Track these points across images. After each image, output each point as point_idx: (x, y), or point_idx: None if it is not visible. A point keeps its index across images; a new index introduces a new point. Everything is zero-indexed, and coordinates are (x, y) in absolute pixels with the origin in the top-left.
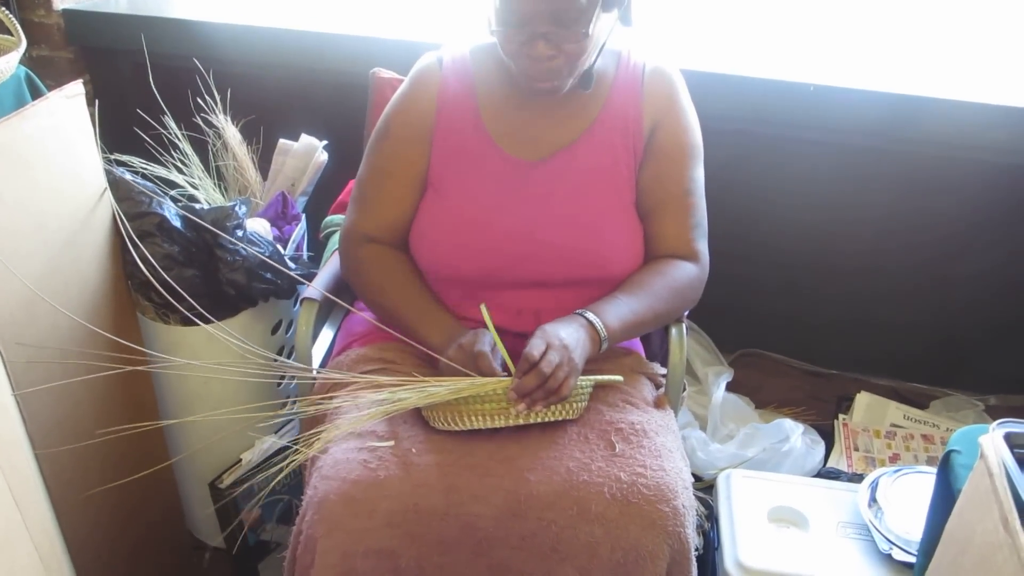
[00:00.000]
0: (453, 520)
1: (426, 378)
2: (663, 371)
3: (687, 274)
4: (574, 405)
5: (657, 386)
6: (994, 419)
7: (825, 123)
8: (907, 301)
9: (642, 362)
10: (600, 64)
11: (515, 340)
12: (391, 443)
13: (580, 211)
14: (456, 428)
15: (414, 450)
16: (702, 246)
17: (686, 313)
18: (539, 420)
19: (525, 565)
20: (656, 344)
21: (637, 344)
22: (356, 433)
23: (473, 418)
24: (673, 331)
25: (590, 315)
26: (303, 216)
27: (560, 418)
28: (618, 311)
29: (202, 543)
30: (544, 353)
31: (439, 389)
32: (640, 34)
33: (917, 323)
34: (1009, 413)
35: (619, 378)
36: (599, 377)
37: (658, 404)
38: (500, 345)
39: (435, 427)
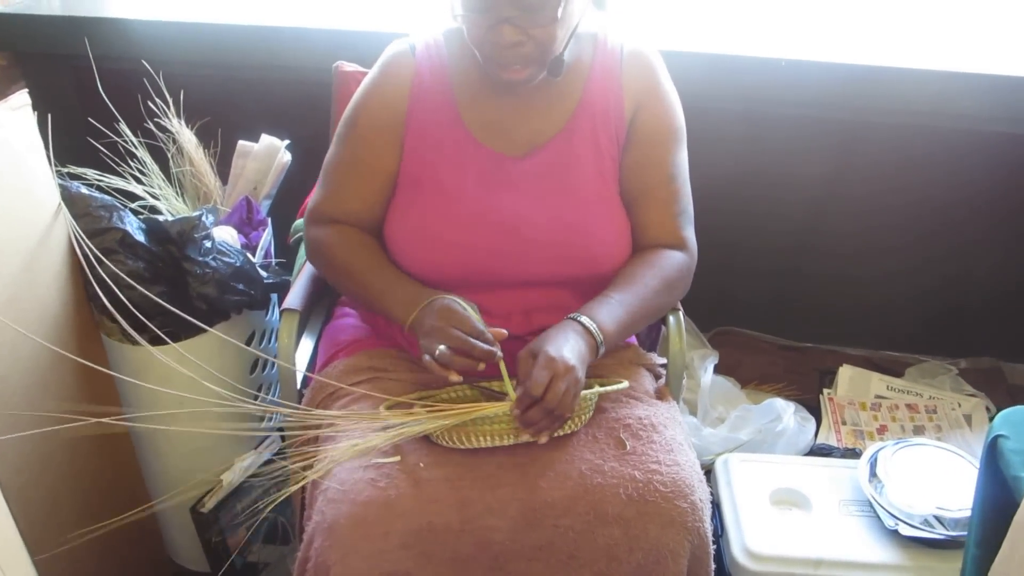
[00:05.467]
0: (468, 536)
1: (427, 406)
2: (662, 361)
3: (676, 264)
4: (580, 417)
5: (656, 377)
6: (968, 383)
7: (797, 97)
8: (877, 270)
9: (640, 354)
10: (575, 49)
11: (506, 343)
12: (397, 459)
13: (567, 207)
14: (461, 447)
15: (421, 464)
16: (689, 233)
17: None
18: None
19: None
20: (644, 332)
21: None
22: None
23: (481, 438)
24: (671, 319)
25: (586, 320)
26: (269, 221)
27: (566, 432)
28: (612, 313)
29: (185, 569)
30: (548, 386)
31: (441, 418)
32: (616, 15)
33: (888, 291)
34: (980, 376)
35: (624, 384)
36: (604, 389)
37: (660, 395)
38: (505, 375)
39: (438, 442)
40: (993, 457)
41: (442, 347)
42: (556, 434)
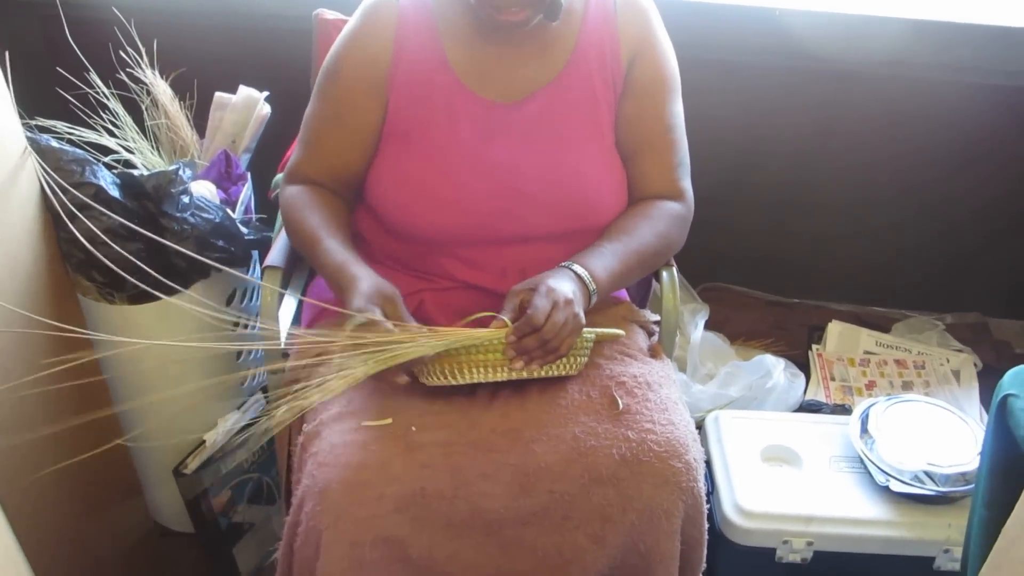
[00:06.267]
0: (461, 502)
1: (416, 328)
2: (655, 318)
3: (672, 216)
4: (577, 359)
5: (649, 334)
6: (955, 338)
7: (789, 48)
8: (864, 224)
9: (633, 311)
10: None
11: (501, 301)
12: (389, 421)
13: (563, 157)
14: (453, 382)
15: (414, 428)
16: (686, 184)
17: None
18: (541, 375)
19: (536, 540)
20: (634, 289)
21: (623, 292)
22: (350, 412)
23: (474, 370)
24: (664, 275)
25: (577, 268)
26: (248, 175)
27: (563, 373)
28: (604, 262)
29: (169, 531)
30: (548, 315)
31: (433, 341)
32: None
33: (875, 246)
34: (966, 330)
35: (621, 332)
36: (601, 330)
37: (654, 353)
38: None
39: (427, 382)
40: (1002, 416)
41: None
42: (551, 373)
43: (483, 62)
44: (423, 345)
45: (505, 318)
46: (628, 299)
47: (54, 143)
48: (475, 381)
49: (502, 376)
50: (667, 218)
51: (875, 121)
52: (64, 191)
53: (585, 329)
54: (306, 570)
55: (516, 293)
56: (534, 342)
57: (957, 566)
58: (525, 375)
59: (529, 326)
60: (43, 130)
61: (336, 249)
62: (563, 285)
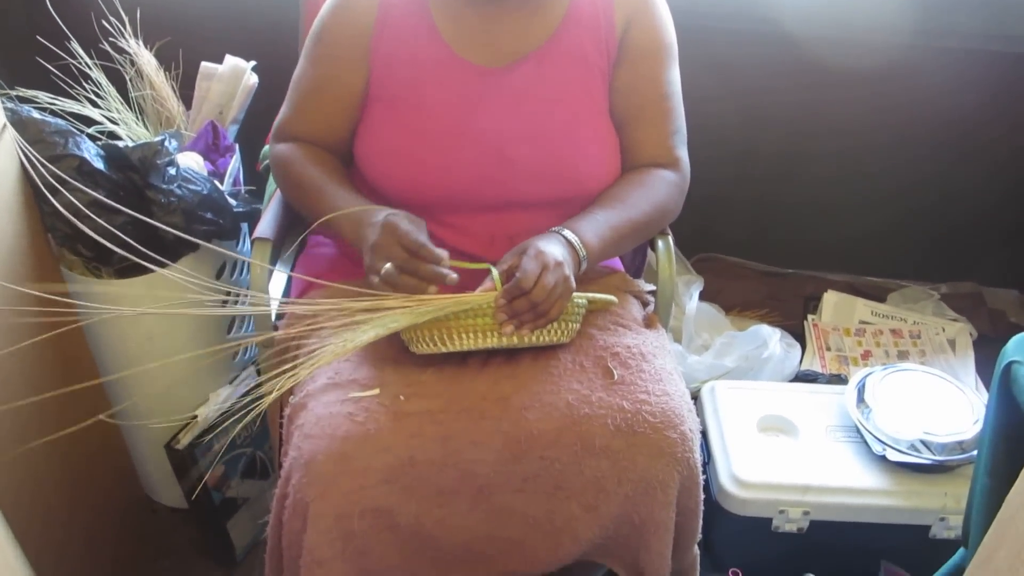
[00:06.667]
0: (451, 470)
1: (403, 297)
2: (650, 288)
3: (667, 184)
4: (569, 325)
5: (644, 304)
6: (950, 307)
7: (783, 16)
8: (858, 194)
9: (627, 280)
10: None
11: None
12: (376, 391)
13: (552, 123)
14: (444, 349)
15: (402, 397)
16: (682, 153)
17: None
18: (533, 342)
19: (527, 507)
20: (628, 258)
21: (617, 261)
22: (336, 384)
23: (464, 336)
24: (660, 244)
25: (567, 233)
26: (236, 146)
27: (555, 339)
28: (596, 228)
29: (162, 506)
30: (538, 277)
31: (421, 308)
32: None
33: (869, 216)
34: (961, 300)
35: (613, 298)
36: (593, 295)
37: (649, 324)
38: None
39: (417, 350)
40: (1006, 384)
41: (388, 265)
42: (542, 340)
43: (471, 26)
44: (412, 312)
45: (494, 270)
46: (623, 269)
47: (36, 114)
48: (465, 348)
49: (492, 342)
50: (662, 186)
51: (870, 89)
52: (46, 163)
53: (576, 294)
54: (294, 543)
55: (505, 260)
56: (524, 305)
57: (953, 535)
58: (516, 341)
59: (519, 289)
60: (24, 100)
61: (349, 197)
62: (552, 248)
